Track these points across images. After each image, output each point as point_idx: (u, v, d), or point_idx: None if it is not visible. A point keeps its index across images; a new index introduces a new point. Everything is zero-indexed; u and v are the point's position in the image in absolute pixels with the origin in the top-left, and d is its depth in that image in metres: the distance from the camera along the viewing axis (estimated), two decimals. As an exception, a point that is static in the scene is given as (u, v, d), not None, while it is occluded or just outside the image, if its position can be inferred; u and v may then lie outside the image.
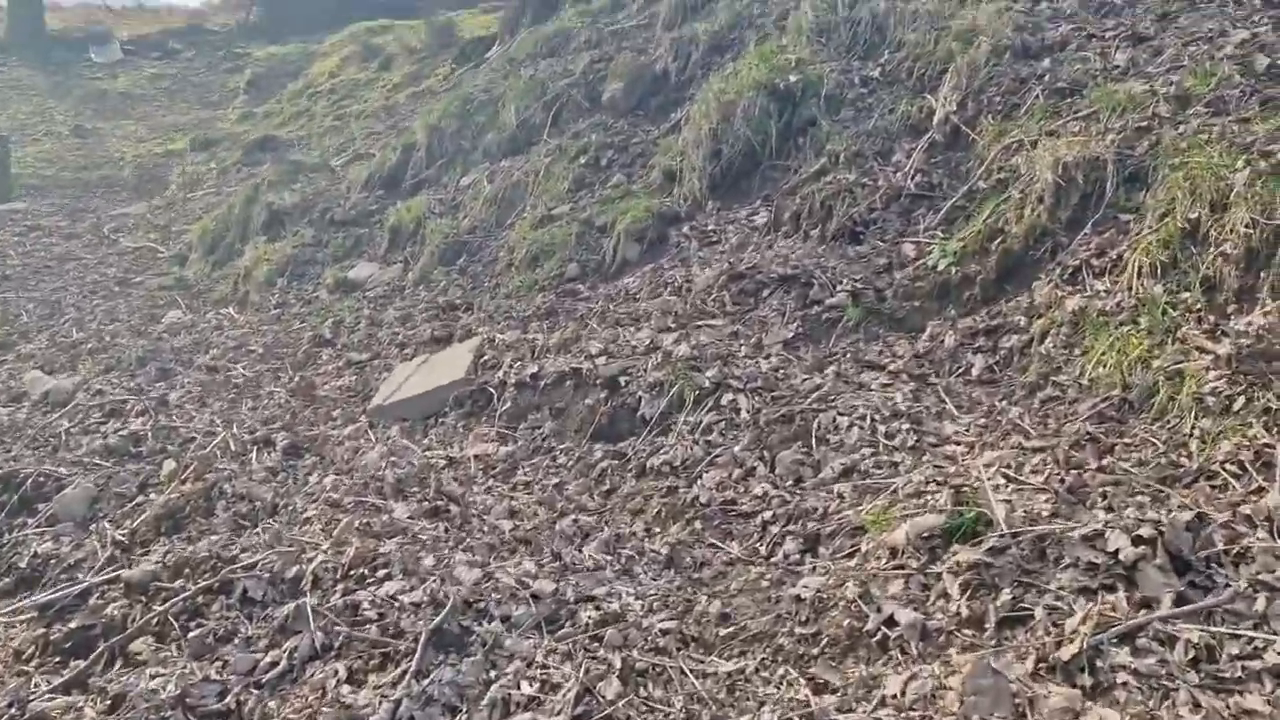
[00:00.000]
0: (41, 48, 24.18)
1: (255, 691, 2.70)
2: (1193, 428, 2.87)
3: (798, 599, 2.69)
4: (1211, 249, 3.34)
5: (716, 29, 7.13)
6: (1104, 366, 3.21)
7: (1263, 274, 3.18)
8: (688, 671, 2.54)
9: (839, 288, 4.34)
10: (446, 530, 3.49)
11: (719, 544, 3.20)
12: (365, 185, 8.04)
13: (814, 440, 3.44)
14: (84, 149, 18.76)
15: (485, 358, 4.88)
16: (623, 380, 4.13)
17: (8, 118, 20.57)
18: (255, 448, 4.56)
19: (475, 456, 4.18)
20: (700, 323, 4.40)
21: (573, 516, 3.55)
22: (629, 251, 5.85)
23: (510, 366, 4.66)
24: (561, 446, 4.09)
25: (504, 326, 5.25)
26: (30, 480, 4.39)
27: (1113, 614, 2.23)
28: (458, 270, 6.65)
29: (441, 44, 16.48)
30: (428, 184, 7.76)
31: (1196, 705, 2.01)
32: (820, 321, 4.24)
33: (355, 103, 15.24)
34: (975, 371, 3.56)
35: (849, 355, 3.92)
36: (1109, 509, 2.59)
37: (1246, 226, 3.24)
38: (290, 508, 3.88)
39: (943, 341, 3.80)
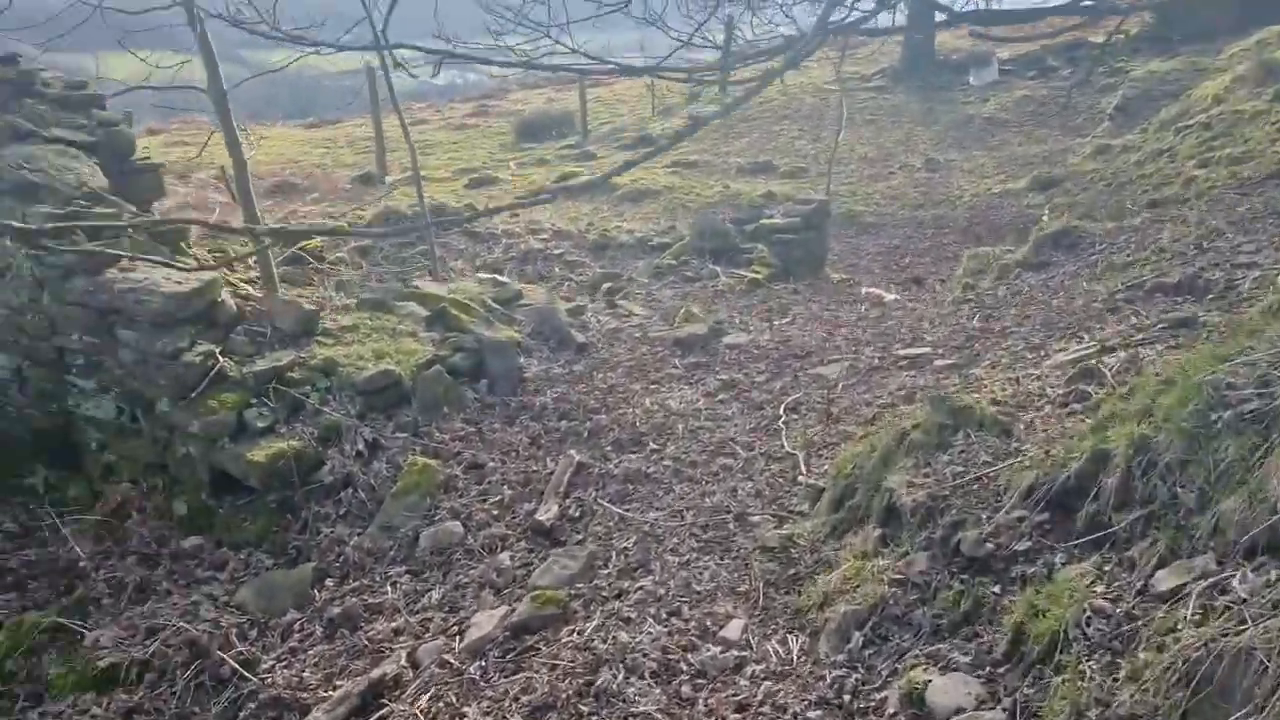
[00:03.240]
0: (926, 72, 23.59)
1: None
2: None
3: None
4: None
5: None
6: None
7: None
8: None
9: None
10: None
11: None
12: (1026, 498, 3.95)
13: None
14: (928, 184, 17.37)
15: None
16: None
17: (875, 146, 20.48)
18: None
19: None
20: None
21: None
22: None
23: None
24: None
25: None
26: None
27: None
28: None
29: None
30: (1115, 542, 3.34)
31: None
32: None
33: (1231, 144, 10.36)
34: None
35: None
36: None
37: None
38: None
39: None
